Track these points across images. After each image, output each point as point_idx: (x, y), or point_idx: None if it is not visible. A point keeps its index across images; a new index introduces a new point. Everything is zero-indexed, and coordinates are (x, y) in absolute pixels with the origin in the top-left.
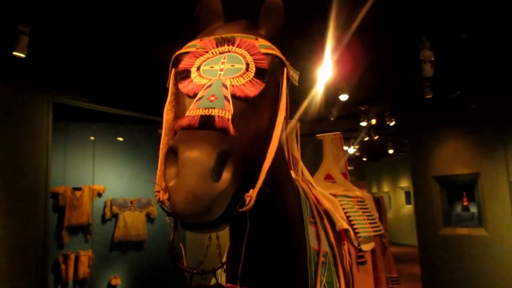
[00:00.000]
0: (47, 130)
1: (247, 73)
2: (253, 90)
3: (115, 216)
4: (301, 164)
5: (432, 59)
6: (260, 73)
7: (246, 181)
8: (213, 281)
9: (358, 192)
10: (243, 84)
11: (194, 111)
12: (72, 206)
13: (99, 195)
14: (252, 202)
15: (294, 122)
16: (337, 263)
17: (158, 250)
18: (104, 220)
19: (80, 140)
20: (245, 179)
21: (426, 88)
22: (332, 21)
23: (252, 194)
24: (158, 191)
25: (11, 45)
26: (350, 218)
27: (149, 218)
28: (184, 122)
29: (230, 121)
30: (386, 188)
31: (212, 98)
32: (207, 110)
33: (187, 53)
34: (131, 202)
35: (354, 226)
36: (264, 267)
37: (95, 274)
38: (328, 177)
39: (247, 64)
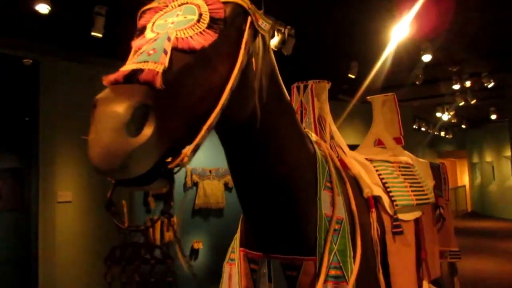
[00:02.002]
0: None
1: (198, 24)
2: (201, 42)
3: (195, 184)
4: (332, 128)
5: None
6: (213, 23)
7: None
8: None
9: (405, 158)
10: (190, 36)
11: (127, 65)
12: None
13: None
14: (186, 160)
15: (324, 83)
16: (355, 231)
17: (237, 217)
18: (185, 188)
19: None
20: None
21: None
22: None
23: (187, 151)
24: None
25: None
26: (386, 185)
27: (227, 187)
28: (111, 77)
29: (159, 74)
30: (489, 157)
31: (151, 52)
32: (141, 64)
33: (150, 9)
34: (210, 171)
35: (391, 194)
36: (271, 232)
37: (180, 237)
38: (379, 143)
39: (200, 15)
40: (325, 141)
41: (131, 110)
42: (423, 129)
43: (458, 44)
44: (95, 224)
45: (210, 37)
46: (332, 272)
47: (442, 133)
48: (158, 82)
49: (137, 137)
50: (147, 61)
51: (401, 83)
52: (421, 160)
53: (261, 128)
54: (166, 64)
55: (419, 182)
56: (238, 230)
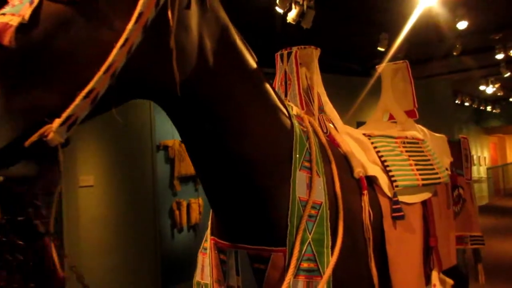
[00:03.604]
0: None
1: None
2: None
3: None
4: (323, 99)
5: None
6: None
7: None
8: None
9: (414, 133)
10: None
11: None
12: (181, 158)
13: None
14: (52, 135)
15: (310, 49)
16: (338, 218)
17: None
18: None
19: None
20: None
21: None
22: None
23: (53, 125)
24: None
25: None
26: (386, 163)
27: None
28: None
29: (11, 29)
30: None
31: (17, 2)
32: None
33: None
34: None
35: (391, 173)
36: (236, 219)
37: (205, 220)
38: (391, 117)
39: None
40: (313, 115)
41: None
42: (466, 103)
43: (498, 7)
44: (117, 208)
45: None
46: (305, 265)
47: (489, 108)
48: (7, 39)
49: None
50: (5, 14)
51: (437, 54)
52: (436, 135)
53: (211, 98)
54: (27, 16)
55: (428, 160)
56: (210, 216)
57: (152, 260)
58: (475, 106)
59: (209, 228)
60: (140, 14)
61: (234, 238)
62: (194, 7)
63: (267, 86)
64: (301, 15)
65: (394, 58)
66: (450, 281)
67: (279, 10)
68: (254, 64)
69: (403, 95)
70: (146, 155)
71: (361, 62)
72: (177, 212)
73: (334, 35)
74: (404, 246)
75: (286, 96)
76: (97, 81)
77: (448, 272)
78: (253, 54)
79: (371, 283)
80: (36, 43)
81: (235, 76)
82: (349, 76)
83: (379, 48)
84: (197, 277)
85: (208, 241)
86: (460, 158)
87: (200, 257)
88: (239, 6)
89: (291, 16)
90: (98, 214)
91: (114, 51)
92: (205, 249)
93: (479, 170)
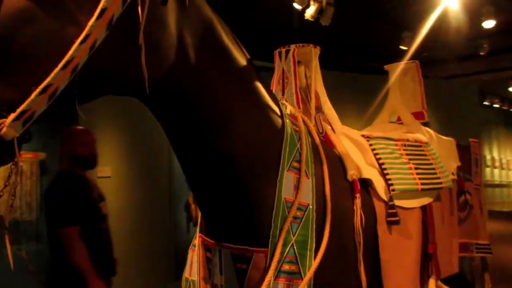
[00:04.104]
0: None
1: None
2: None
3: None
4: (322, 99)
5: None
6: None
7: None
8: None
9: (417, 135)
10: None
11: None
12: None
13: None
14: (5, 130)
15: (309, 47)
16: (325, 220)
17: None
18: None
19: None
20: None
21: None
22: None
23: (7, 119)
24: None
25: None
26: (383, 166)
27: None
28: None
29: None
30: None
31: None
32: None
33: None
34: None
35: (388, 176)
36: (220, 218)
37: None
38: (398, 119)
39: None
40: (310, 115)
41: None
42: (496, 105)
43: None
44: (134, 200)
45: None
46: (286, 267)
47: None
48: None
49: None
50: None
51: (463, 54)
52: (444, 138)
53: (193, 96)
54: None
55: (430, 164)
56: (200, 214)
57: (167, 252)
58: (505, 108)
59: (198, 225)
60: (103, 10)
61: (218, 236)
62: (172, 3)
63: (257, 84)
64: (320, 12)
65: (417, 57)
66: None
67: (297, 6)
68: (243, 62)
69: (412, 96)
70: (164, 148)
71: (383, 61)
72: (193, 206)
73: (355, 33)
74: (399, 252)
75: (283, 94)
76: (54, 76)
77: (452, 280)
78: (245, 51)
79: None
80: None
81: (219, 74)
82: (371, 75)
83: (401, 47)
84: (186, 273)
85: (197, 238)
86: (470, 162)
87: (189, 254)
88: (258, 2)
89: (309, 12)
90: (115, 205)
91: (74, 47)
92: (195, 246)
93: (508, 175)
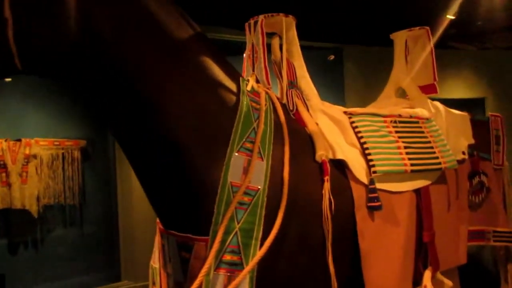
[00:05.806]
0: None
1: None
2: None
3: None
4: (298, 73)
5: None
6: None
7: None
8: None
9: (417, 110)
10: None
11: None
12: None
13: None
14: None
15: (279, 17)
16: (278, 207)
17: None
18: None
19: None
20: None
21: None
22: None
23: None
24: None
25: None
26: (365, 145)
27: None
28: None
29: None
30: None
31: None
32: None
33: None
34: None
35: (370, 157)
36: (163, 203)
37: None
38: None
39: None
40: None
41: None
42: None
43: None
44: None
45: None
46: (227, 257)
47: None
48: None
49: None
50: None
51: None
52: (456, 112)
53: (113, 69)
54: None
55: (428, 142)
56: None
57: None
58: None
59: None
60: None
61: (165, 223)
62: None
63: (205, 59)
64: None
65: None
66: (448, 283)
67: None
68: (183, 35)
69: (423, 67)
70: None
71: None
72: None
73: (400, 4)
74: (383, 240)
75: (253, 70)
76: None
77: (471, 272)
78: (192, 24)
79: (326, 281)
80: None
81: (150, 49)
82: None
83: (448, 16)
84: (151, 261)
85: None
86: (488, 139)
87: (156, 241)
88: None
89: None
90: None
91: None
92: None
93: None
